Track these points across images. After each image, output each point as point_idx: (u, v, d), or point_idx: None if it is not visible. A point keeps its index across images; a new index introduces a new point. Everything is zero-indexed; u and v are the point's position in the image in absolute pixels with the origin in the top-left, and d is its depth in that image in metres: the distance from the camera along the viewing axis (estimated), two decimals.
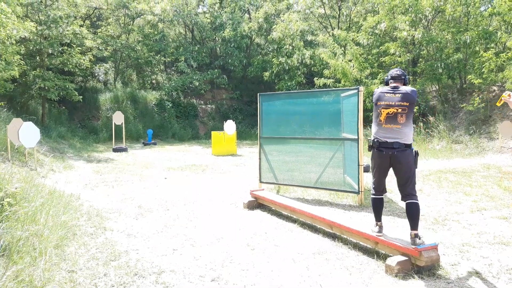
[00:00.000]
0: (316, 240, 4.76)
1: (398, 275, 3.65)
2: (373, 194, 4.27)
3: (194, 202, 6.83)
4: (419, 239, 3.80)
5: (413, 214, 3.88)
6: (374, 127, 4.19)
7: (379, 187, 4.23)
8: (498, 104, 4.45)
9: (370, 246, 4.34)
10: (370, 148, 4.17)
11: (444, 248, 4.36)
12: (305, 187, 7.25)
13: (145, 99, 22.20)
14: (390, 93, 4.04)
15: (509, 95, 4.14)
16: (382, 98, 4.08)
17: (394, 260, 3.74)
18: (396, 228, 5.16)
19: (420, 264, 3.71)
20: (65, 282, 3.45)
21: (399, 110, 3.95)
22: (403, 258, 3.76)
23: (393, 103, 3.99)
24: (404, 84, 4.14)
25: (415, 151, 4.04)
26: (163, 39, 23.31)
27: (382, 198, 4.27)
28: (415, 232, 3.82)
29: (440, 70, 14.67)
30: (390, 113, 3.98)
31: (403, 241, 3.92)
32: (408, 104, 3.95)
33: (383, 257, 4.05)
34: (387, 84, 4.20)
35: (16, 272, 3.18)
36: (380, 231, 4.15)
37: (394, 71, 4.20)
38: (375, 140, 4.09)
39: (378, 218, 4.20)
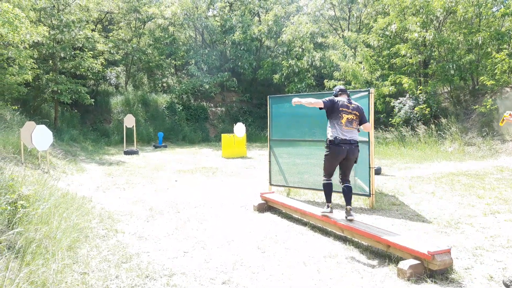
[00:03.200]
0: (327, 243, 4.73)
1: (411, 279, 3.61)
2: (325, 180, 5.08)
3: (204, 204, 6.85)
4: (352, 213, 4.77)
5: (348, 194, 4.92)
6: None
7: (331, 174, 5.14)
8: (501, 124, 4.43)
9: (381, 249, 4.31)
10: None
11: (457, 252, 4.30)
12: (316, 190, 7.22)
13: (155, 102, 22.38)
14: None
15: (510, 115, 4.12)
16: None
17: (407, 263, 3.70)
18: (408, 231, 5.11)
19: (433, 268, 3.66)
20: (77, 284, 3.48)
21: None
22: (416, 261, 3.72)
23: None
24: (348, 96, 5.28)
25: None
26: (174, 42, 23.49)
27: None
28: (349, 207, 4.80)
29: (452, 72, 14.51)
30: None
31: (416, 245, 3.87)
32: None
33: (395, 261, 4.01)
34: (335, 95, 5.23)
35: (29, 274, 3.22)
36: (331, 211, 4.98)
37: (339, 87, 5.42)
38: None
39: (329, 199, 5.05)
